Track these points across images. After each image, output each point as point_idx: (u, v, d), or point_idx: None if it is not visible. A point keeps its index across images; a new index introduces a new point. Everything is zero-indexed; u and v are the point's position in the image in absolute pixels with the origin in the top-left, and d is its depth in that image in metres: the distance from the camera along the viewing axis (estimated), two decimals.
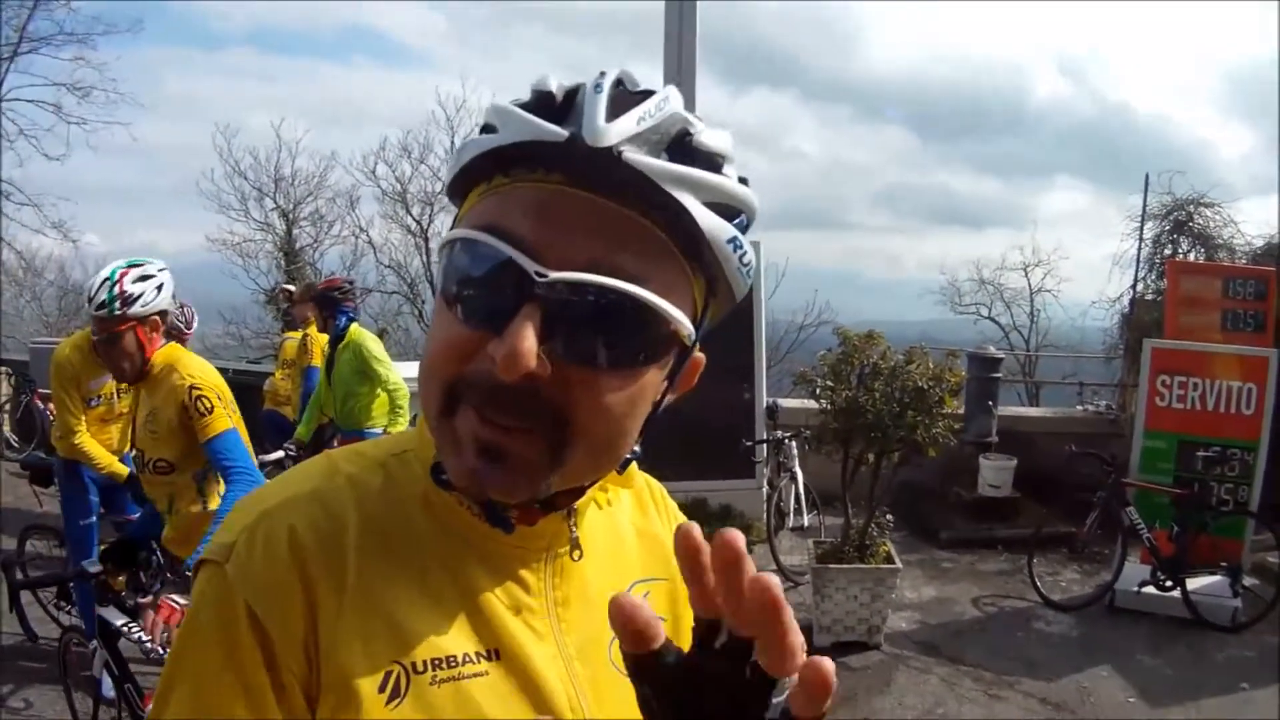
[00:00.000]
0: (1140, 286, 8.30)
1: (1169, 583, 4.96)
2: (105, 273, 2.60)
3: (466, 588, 0.64)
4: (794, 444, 5.80)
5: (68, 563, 3.98)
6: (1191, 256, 8.15)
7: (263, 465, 3.57)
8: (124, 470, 3.65)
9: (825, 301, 15.59)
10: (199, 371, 2.64)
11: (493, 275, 0.55)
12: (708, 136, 0.59)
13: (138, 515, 3.23)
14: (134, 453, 2.77)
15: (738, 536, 0.43)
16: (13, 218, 15.07)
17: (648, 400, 0.61)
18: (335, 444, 4.79)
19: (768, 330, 8.57)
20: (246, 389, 4.19)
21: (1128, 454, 5.48)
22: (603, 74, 0.58)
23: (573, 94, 0.58)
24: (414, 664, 0.59)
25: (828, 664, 0.41)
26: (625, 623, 0.44)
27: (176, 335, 3.61)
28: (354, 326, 4.81)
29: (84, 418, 3.65)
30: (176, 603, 2.60)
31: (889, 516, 4.91)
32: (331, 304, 4.82)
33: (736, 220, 0.60)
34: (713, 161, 0.59)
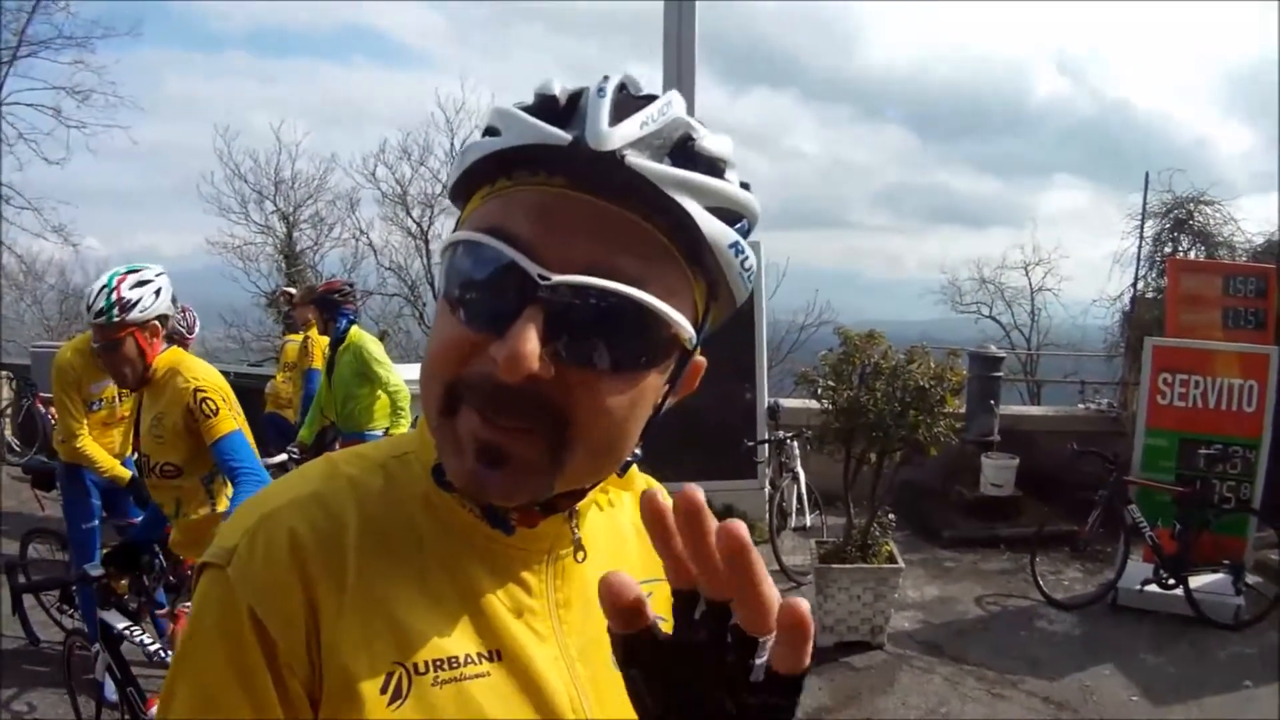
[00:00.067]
0: (1141, 285, 8.31)
1: (1171, 581, 4.96)
2: (103, 280, 2.61)
3: (468, 589, 0.64)
4: (795, 444, 5.81)
5: (70, 566, 3.99)
6: (1192, 254, 8.15)
7: (265, 468, 3.57)
8: (126, 474, 3.66)
9: (826, 301, 15.63)
10: (203, 374, 2.65)
11: (496, 277, 0.56)
12: (710, 142, 0.59)
13: (140, 519, 3.23)
14: (139, 457, 2.77)
15: (696, 490, 0.43)
16: (13, 222, 15.08)
17: (648, 403, 0.61)
18: (337, 446, 4.80)
19: (769, 330, 8.57)
20: (248, 392, 4.19)
21: (1129, 452, 5.48)
22: (606, 78, 0.58)
23: (576, 98, 0.58)
24: (416, 665, 0.59)
25: (802, 603, 0.41)
26: (614, 600, 0.44)
27: (178, 339, 3.61)
28: (354, 329, 4.81)
29: (85, 421, 3.65)
30: None
31: (891, 516, 4.90)
32: (332, 306, 4.82)
33: (738, 225, 0.60)
34: (715, 167, 0.59)
